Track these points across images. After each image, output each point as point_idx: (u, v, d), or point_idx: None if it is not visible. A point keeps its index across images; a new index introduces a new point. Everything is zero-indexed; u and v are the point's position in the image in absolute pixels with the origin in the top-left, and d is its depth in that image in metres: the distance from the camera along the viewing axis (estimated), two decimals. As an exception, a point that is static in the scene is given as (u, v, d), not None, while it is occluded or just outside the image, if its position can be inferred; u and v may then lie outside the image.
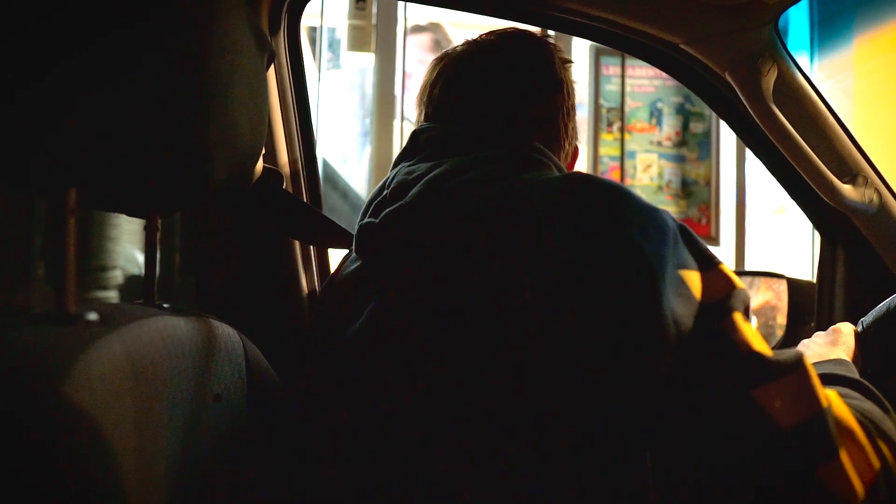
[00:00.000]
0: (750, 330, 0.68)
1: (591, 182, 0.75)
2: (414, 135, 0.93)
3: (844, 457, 0.66)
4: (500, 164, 0.81)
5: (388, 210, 0.81)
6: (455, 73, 0.96)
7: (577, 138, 1.01)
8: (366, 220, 0.84)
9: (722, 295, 0.69)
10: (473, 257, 0.73)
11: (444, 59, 0.98)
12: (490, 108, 0.93)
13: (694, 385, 0.66)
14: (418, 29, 2.96)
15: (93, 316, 0.53)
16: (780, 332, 1.38)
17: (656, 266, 0.68)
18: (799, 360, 0.67)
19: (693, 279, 0.69)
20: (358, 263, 0.86)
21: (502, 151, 0.84)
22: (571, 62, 1.03)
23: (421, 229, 0.78)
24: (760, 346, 0.67)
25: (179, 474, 0.61)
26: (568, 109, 0.99)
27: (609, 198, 0.73)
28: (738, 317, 0.68)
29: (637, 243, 0.69)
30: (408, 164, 0.89)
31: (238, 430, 0.76)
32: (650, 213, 0.72)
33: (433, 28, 2.93)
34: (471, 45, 0.98)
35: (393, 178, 0.87)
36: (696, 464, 0.67)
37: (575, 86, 1.01)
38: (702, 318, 0.67)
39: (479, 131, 0.91)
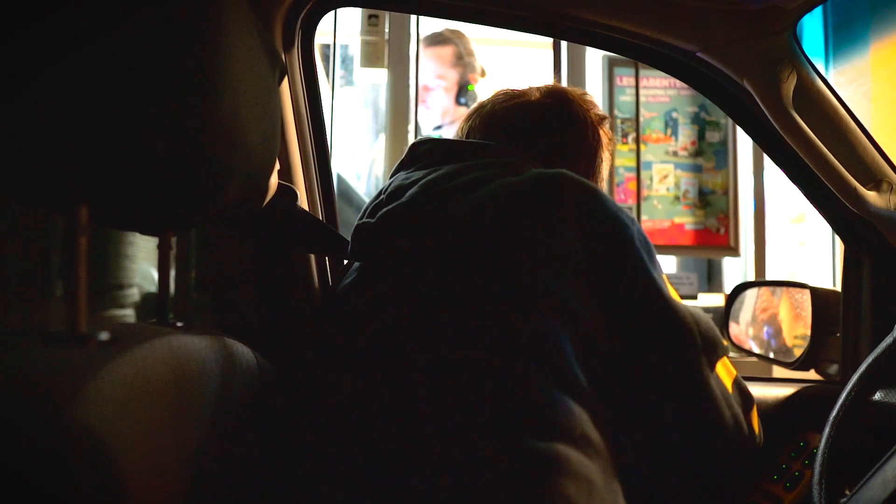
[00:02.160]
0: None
1: (565, 177, 0.85)
2: (412, 147, 0.99)
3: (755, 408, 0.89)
4: (490, 169, 0.88)
5: (384, 210, 0.86)
6: (480, 116, 1.06)
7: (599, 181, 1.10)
8: (362, 220, 0.88)
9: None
10: (468, 250, 0.79)
11: (477, 108, 1.08)
12: (500, 134, 1.02)
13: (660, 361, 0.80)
14: (440, 41, 2.93)
15: (104, 336, 0.52)
16: (804, 343, 1.35)
17: (636, 235, 0.83)
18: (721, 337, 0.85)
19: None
20: (355, 275, 0.88)
21: (492, 160, 0.91)
22: (606, 117, 1.11)
23: (417, 226, 0.83)
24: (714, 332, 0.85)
25: (192, 494, 0.59)
26: (585, 151, 1.06)
27: (584, 189, 0.84)
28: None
29: (618, 217, 0.83)
30: (406, 172, 0.94)
31: (253, 450, 0.75)
32: (618, 206, 0.85)
33: (456, 39, 2.91)
34: (503, 95, 1.08)
35: (390, 184, 0.92)
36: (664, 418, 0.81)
37: (608, 141, 1.10)
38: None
39: (475, 143, 0.97)
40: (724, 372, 0.86)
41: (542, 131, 1.03)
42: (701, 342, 0.81)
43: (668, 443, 0.82)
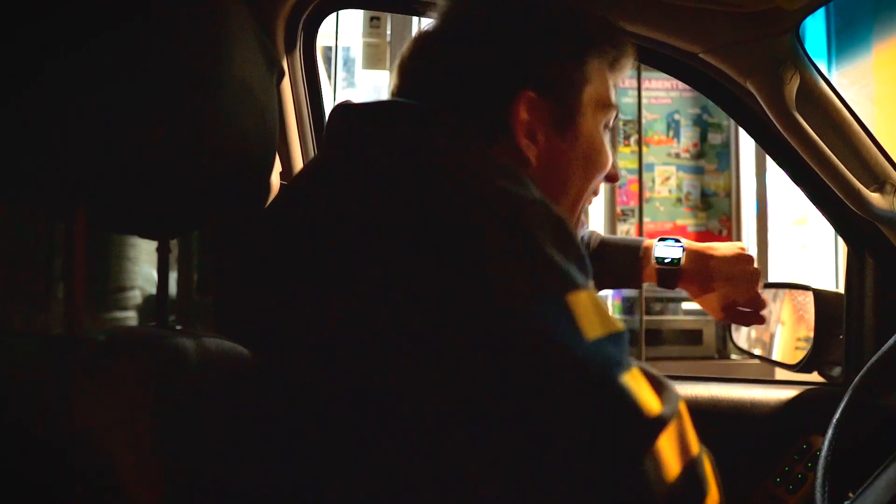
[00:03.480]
0: (636, 380, 0.57)
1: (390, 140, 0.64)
2: (329, 119, 0.76)
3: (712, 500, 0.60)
4: (358, 156, 0.68)
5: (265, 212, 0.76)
6: (401, 58, 0.85)
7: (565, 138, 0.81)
8: None
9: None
10: (309, 257, 0.63)
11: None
12: (430, 85, 0.79)
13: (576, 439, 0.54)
14: None
15: (102, 338, 0.52)
16: (806, 345, 1.35)
17: (504, 219, 0.58)
18: (677, 409, 0.59)
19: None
20: None
21: (394, 131, 0.70)
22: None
23: (283, 231, 0.69)
24: (647, 398, 0.56)
25: (191, 495, 0.59)
26: (563, 76, 0.79)
27: (416, 158, 0.63)
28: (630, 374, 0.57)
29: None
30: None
31: (252, 451, 0.75)
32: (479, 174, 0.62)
33: None
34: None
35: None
36: None
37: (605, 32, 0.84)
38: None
39: (376, 106, 0.75)
40: (671, 450, 0.58)
41: (484, 69, 0.77)
42: (615, 406, 0.54)
43: None
